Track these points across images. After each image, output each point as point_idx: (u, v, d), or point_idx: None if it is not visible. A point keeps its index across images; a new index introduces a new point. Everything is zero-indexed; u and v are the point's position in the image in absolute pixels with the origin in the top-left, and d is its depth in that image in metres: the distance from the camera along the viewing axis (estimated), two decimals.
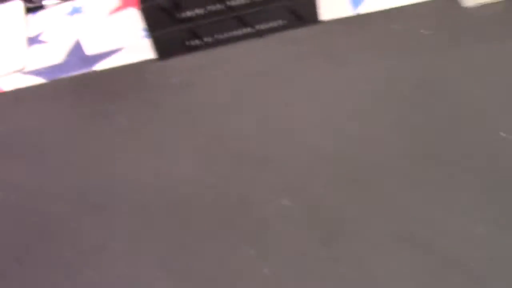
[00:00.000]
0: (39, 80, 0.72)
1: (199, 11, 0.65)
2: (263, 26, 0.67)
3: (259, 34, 0.67)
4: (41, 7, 0.87)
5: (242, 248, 0.49)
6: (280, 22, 0.67)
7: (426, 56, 0.62)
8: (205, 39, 0.67)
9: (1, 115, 0.66)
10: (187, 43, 0.68)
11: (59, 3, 0.88)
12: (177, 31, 0.66)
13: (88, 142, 0.61)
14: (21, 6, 0.85)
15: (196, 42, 0.67)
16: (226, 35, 0.67)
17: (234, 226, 0.51)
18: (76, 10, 0.85)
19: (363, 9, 0.68)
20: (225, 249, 0.50)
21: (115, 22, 0.78)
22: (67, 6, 0.85)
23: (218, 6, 0.64)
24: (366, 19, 0.67)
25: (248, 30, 0.67)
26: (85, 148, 0.61)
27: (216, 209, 0.52)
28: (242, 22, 0.66)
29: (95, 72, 0.70)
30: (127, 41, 0.74)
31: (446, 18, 0.64)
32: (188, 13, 0.65)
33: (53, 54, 0.76)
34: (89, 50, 0.74)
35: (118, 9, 0.81)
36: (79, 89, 0.68)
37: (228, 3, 0.65)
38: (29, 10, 0.86)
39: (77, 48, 0.76)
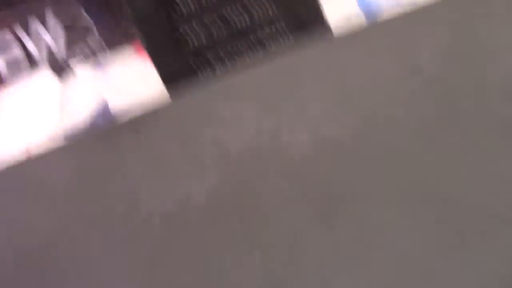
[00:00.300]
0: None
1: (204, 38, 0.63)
2: (273, 47, 0.64)
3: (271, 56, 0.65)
4: (70, 72, 0.89)
5: None
6: (290, 40, 0.65)
7: None
8: (216, 67, 0.65)
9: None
10: (198, 74, 0.66)
11: (85, 63, 0.90)
12: (185, 63, 0.65)
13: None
14: (51, 76, 0.87)
15: (207, 71, 0.66)
16: (236, 60, 0.65)
17: None
18: (99, 67, 0.86)
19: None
20: None
21: (135, 74, 0.78)
22: (92, 64, 0.87)
23: (223, 30, 0.63)
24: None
25: (258, 54, 0.65)
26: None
27: None
28: (251, 45, 0.64)
29: (116, 124, 0.69)
30: (145, 90, 0.73)
31: None
32: (194, 42, 0.64)
33: (81, 116, 0.77)
34: (114, 108, 0.74)
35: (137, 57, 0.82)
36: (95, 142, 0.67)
37: (232, 26, 0.63)
38: (59, 78, 0.88)
39: (102, 108, 0.76)
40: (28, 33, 0.90)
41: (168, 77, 0.68)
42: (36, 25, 0.90)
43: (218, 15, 0.64)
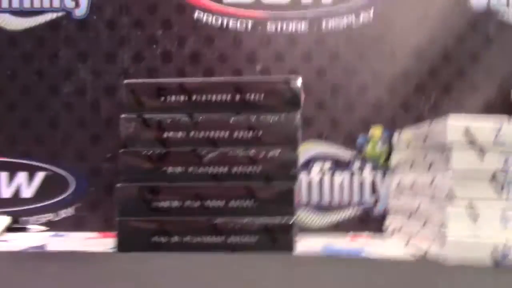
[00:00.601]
0: None
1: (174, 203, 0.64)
2: (235, 239, 0.65)
3: (230, 247, 0.64)
4: (24, 229, 0.88)
5: None
6: (253, 240, 0.65)
7: None
8: (173, 239, 0.65)
9: None
10: (152, 239, 0.65)
11: (43, 231, 0.89)
12: (146, 223, 0.65)
13: None
14: (6, 220, 0.86)
15: (162, 239, 0.65)
16: (195, 239, 0.65)
17: None
18: (57, 235, 0.85)
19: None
20: None
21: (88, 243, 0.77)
22: (50, 233, 0.86)
23: (194, 203, 0.64)
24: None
25: (218, 239, 0.65)
26: None
27: None
28: (215, 229, 0.65)
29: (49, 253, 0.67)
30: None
31: None
32: (163, 204, 0.65)
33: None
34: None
35: (95, 238, 0.81)
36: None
37: (205, 202, 0.64)
38: (12, 230, 0.87)
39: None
40: None
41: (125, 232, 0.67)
42: None
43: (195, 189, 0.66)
